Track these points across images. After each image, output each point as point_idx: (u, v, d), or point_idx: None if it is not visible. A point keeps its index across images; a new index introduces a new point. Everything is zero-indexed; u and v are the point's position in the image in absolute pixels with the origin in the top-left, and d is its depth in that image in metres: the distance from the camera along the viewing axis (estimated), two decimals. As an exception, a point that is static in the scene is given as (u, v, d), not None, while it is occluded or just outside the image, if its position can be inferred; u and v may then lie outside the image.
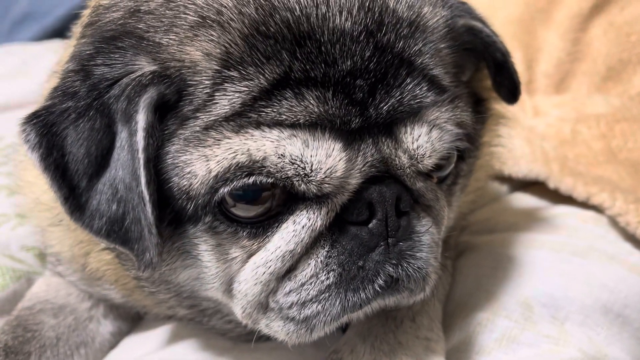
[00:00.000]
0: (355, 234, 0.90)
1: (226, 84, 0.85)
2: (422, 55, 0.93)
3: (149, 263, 0.86)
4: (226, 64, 0.85)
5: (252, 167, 0.84)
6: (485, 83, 1.18)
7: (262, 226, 0.89)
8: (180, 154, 0.86)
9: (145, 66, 0.86)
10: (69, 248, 1.15)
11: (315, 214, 0.88)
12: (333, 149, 0.86)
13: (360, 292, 0.90)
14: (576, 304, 1.18)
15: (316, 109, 0.85)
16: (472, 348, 1.13)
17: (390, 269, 0.91)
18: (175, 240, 0.93)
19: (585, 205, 1.45)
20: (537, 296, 1.19)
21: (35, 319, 1.24)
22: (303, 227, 0.88)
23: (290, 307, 0.91)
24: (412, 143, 0.91)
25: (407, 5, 0.93)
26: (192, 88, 0.86)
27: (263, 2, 0.86)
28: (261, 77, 0.85)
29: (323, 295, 0.89)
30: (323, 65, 0.86)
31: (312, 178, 0.85)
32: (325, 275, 0.89)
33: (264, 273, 0.90)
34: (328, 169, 0.86)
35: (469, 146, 1.00)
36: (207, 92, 0.86)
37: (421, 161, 0.92)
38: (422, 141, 0.91)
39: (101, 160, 0.87)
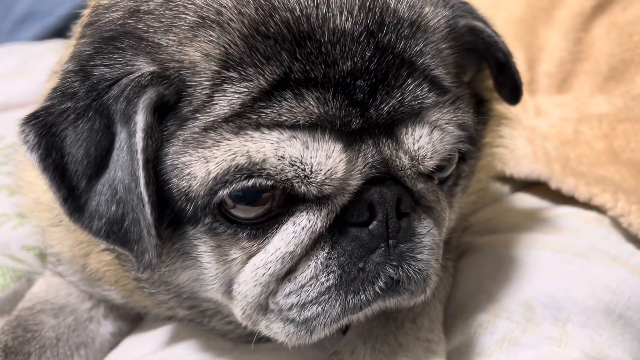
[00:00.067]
0: (355, 235, 0.89)
1: (225, 85, 0.85)
2: (423, 56, 0.92)
3: (148, 264, 0.86)
4: (225, 65, 0.85)
5: (251, 170, 0.83)
6: (487, 83, 1.17)
7: (262, 227, 0.89)
8: (179, 155, 0.86)
9: (144, 67, 0.86)
10: (69, 249, 1.15)
11: (315, 216, 0.88)
12: (333, 150, 0.85)
13: (360, 294, 0.89)
14: (578, 305, 1.17)
15: (316, 110, 0.85)
16: (473, 350, 1.12)
17: (391, 270, 0.91)
18: (174, 242, 0.92)
19: (587, 205, 1.45)
20: (538, 297, 1.18)
21: (35, 319, 1.23)
22: (303, 228, 0.88)
23: (290, 308, 0.91)
24: (413, 144, 0.91)
25: (408, 5, 0.93)
26: (191, 89, 0.86)
27: (263, 2, 0.86)
28: (261, 77, 0.84)
29: (323, 296, 0.89)
30: (323, 65, 0.85)
31: (312, 179, 0.85)
32: (325, 276, 0.89)
33: (264, 274, 0.89)
34: (328, 170, 0.85)
35: (470, 148, 0.99)
36: (206, 93, 0.85)
37: (422, 162, 0.92)
38: (423, 142, 0.91)
39: (100, 161, 0.87)
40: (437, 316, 1.15)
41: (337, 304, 0.89)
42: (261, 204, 0.87)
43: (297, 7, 0.86)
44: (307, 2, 0.86)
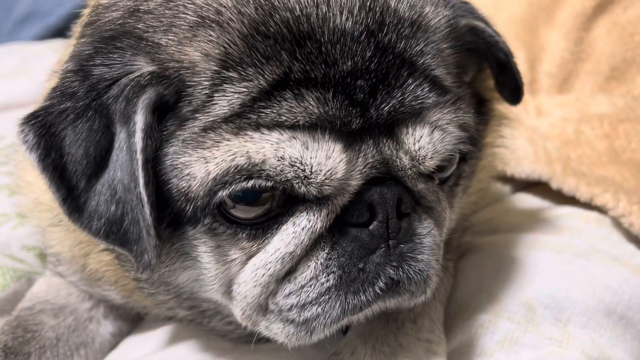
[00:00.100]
0: (355, 235, 0.89)
1: (225, 85, 0.85)
2: (423, 56, 0.92)
3: (148, 264, 0.86)
4: (225, 65, 0.85)
5: (251, 171, 0.83)
6: (487, 83, 1.17)
7: (262, 228, 0.89)
8: (179, 156, 0.86)
9: (143, 66, 0.85)
10: (68, 248, 1.15)
11: (315, 216, 0.88)
12: (333, 151, 0.85)
13: (360, 295, 0.89)
14: (579, 305, 1.17)
15: (316, 110, 0.84)
16: (473, 350, 1.12)
17: (391, 271, 0.90)
18: (174, 242, 0.92)
19: (588, 206, 1.44)
20: (539, 298, 1.18)
21: (35, 320, 1.23)
22: (303, 228, 0.87)
23: (289, 309, 0.90)
24: (414, 144, 0.90)
25: (408, 5, 0.92)
26: (191, 89, 0.85)
27: (263, 2, 0.86)
28: (260, 77, 0.84)
29: (323, 297, 0.89)
30: (323, 65, 0.85)
31: (312, 180, 0.85)
32: (325, 277, 0.88)
33: (264, 275, 0.89)
34: (328, 171, 0.85)
35: (471, 148, 0.99)
36: (206, 93, 0.85)
37: (422, 162, 0.91)
38: (424, 142, 0.91)
39: (100, 161, 0.86)
40: (437, 317, 1.14)
41: (337, 305, 0.89)
42: (261, 204, 0.87)
43: (297, 6, 0.85)
44: (307, 2, 0.86)
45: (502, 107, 1.22)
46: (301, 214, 0.88)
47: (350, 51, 0.86)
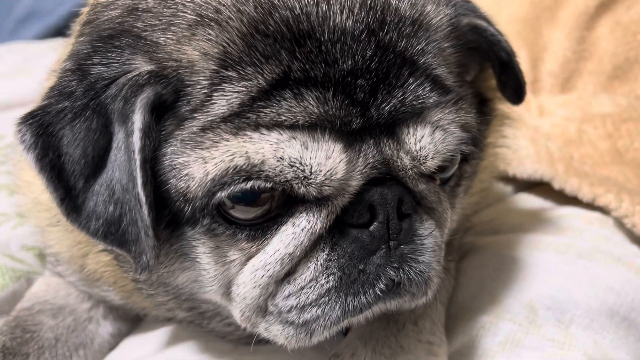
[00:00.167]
0: (356, 236, 0.88)
1: (224, 84, 0.84)
2: (425, 55, 0.91)
3: (146, 265, 0.85)
4: (224, 64, 0.84)
5: (250, 171, 0.82)
6: (489, 83, 1.16)
7: (261, 228, 0.88)
8: (177, 156, 0.85)
9: (142, 66, 0.85)
10: (67, 249, 1.14)
11: (315, 217, 0.87)
12: (333, 151, 0.84)
13: (360, 296, 0.88)
14: (581, 307, 1.16)
15: (316, 110, 0.84)
16: (475, 352, 1.11)
17: (392, 272, 0.89)
18: (173, 243, 0.92)
19: (591, 206, 1.44)
20: (541, 299, 1.17)
21: (34, 320, 1.23)
22: (302, 229, 0.87)
23: (289, 310, 0.90)
24: (415, 144, 0.89)
25: (409, 3, 0.91)
26: (189, 88, 0.85)
27: (262, 0, 0.85)
28: (260, 77, 0.83)
29: (323, 299, 0.88)
30: (323, 64, 0.84)
31: (311, 180, 0.84)
32: (325, 278, 0.88)
33: (263, 276, 0.88)
34: (328, 171, 0.84)
35: (473, 149, 0.98)
36: (204, 93, 0.84)
37: (424, 163, 0.90)
38: (425, 142, 0.90)
39: (98, 161, 0.86)
40: (438, 318, 1.14)
41: (337, 307, 0.88)
42: (260, 204, 0.86)
43: (297, 5, 0.85)
44: (307, 1, 0.85)
45: (504, 107, 1.21)
46: (301, 215, 0.87)
47: (350, 50, 0.85)
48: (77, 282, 1.24)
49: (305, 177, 0.83)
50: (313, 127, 0.83)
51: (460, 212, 1.17)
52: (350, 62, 0.85)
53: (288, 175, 0.83)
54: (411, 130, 0.89)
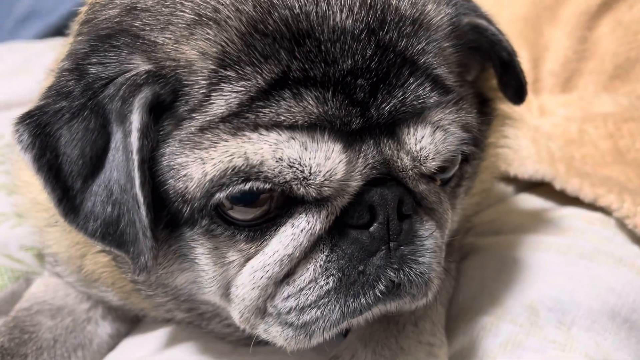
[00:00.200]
0: (355, 237, 0.87)
1: (223, 84, 0.83)
2: (425, 54, 0.90)
3: (144, 266, 0.85)
4: (223, 64, 0.83)
5: (248, 172, 0.82)
6: (491, 83, 1.15)
7: (260, 229, 0.87)
8: (175, 156, 0.85)
9: (140, 65, 0.84)
10: (65, 249, 1.14)
11: (315, 218, 0.86)
12: (332, 151, 0.83)
13: (360, 298, 0.88)
14: (583, 308, 1.16)
15: (315, 110, 0.83)
16: (475, 353, 1.11)
17: (392, 273, 0.89)
18: (171, 243, 0.91)
19: (592, 206, 1.43)
20: (542, 300, 1.17)
21: (33, 320, 1.22)
22: (302, 230, 0.86)
23: (288, 312, 0.89)
24: (415, 144, 0.89)
25: (410, 2, 0.91)
26: (187, 88, 0.84)
27: None
28: (259, 76, 0.83)
29: (322, 300, 0.87)
30: (323, 64, 0.83)
31: (311, 181, 0.83)
32: (324, 280, 0.87)
33: (262, 277, 0.88)
34: (327, 172, 0.83)
35: (474, 150, 0.97)
36: (203, 92, 0.84)
37: (424, 163, 0.90)
38: (426, 143, 0.89)
39: (96, 161, 0.85)
40: (439, 319, 1.13)
41: (337, 308, 0.87)
42: (259, 205, 0.86)
43: (296, 4, 0.84)
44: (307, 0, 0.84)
45: (506, 107, 1.20)
46: (300, 216, 0.86)
47: (350, 49, 0.84)
48: (75, 282, 1.23)
49: (304, 177, 0.83)
50: (312, 127, 0.83)
51: (460, 213, 1.16)
52: (350, 62, 0.84)
53: (287, 176, 0.82)
54: (411, 130, 0.88)
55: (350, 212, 0.87)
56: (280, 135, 0.82)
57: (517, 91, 1.12)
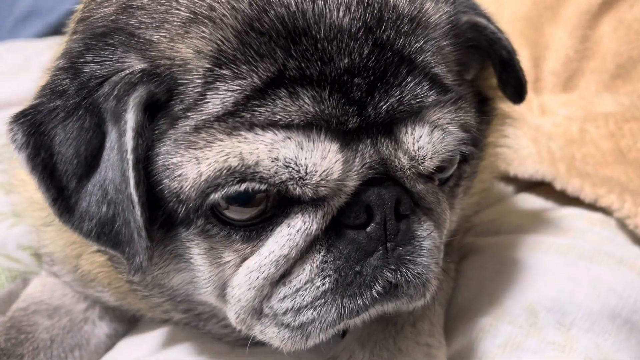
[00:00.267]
0: (352, 238, 0.87)
1: (218, 83, 0.82)
2: (423, 53, 0.89)
3: (139, 267, 0.84)
4: (218, 62, 0.82)
5: (244, 173, 0.81)
6: (490, 82, 1.15)
7: (256, 229, 0.86)
8: (171, 156, 0.84)
9: (135, 64, 0.83)
10: (61, 248, 1.13)
11: (311, 218, 0.85)
12: (329, 150, 0.83)
13: (357, 299, 0.87)
14: (583, 309, 1.15)
15: (311, 109, 0.82)
16: (474, 354, 1.10)
17: (389, 274, 0.88)
18: (167, 244, 0.90)
19: (593, 207, 1.43)
20: (542, 301, 1.16)
21: (29, 320, 1.21)
22: (298, 230, 0.85)
23: (284, 313, 0.88)
24: (413, 144, 0.88)
25: (408, 0, 0.90)
26: (182, 87, 0.83)
27: None
28: (254, 75, 0.82)
29: (319, 301, 0.86)
30: (319, 63, 0.82)
31: (307, 181, 0.82)
32: (320, 280, 0.86)
33: (258, 278, 0.87)
34: (324, 172, 0.82)
35: (473, 149, 0.96)
36: (198, 91, 0.83)
37: (422, 163, 0.89)
38: (423, 142, 0.88)
39: (91, 160, 0.85)
40: (437, 320, 1.12)
41: (333, 309, 0.87)
42: (255, 205, 0.85)
43: (292, 2, 0.83)
44: None
45: (505, 106, 1.19)
46: (296, 216, 0.86)
47: (347, 48, 0.83)
48: (72, 282, 1.23)
49: (300, 177, 0.82)
50: (308, 126, 0.82)
51: (459, 213, 1.15)
52: (346, 60, 0.83)
53: (283, 176, 0.81)
54: (409, 129, 0.88)
55: (347, 212, 0.87)
56: (276, 134, 0.81)
57: (516, 90, 1.11)
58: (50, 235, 1.14)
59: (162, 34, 0.85)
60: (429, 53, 0.90)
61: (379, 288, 0.87)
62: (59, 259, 1.18)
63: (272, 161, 0.81)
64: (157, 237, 0.89)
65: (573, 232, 1.34)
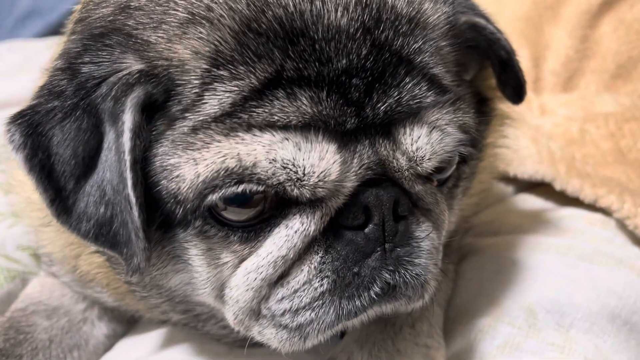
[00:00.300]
0: (350, 239, 0.86)
1: (216, 84, 0.82)
2: (421, 54, 0.89)
3: (137, 268, 0.84)
4: (216, 63, 0.82)
5: (241, 174, 0.81)
6: (489, 82, 1.14)
7: (254, 230, 0.86)
8: (168, 157, 0.84)
9: (132, 65, 0.83)
10: (60, 249, 1.13)
11: (309, 219, 0.85)
12: (327, 151, 0.82)
13: (355, 300, 0.87)
14: (582, 310, 1.15)
15: (309, 110, 0.82)
16: (473, 355, 1.10)
17: (387, 275, 0.88)
18: (165, 244, 0.90)
19: (592, 207, 1.42)
20: (541, 302, 1.16)
21: (28, 321, 1.21)
22: (296, 231, 0.85)
23: (282, 314, 0.88)
24: (411, 145, 0.88)
25: (406, 1, 0.90)
26: (180, 87, 0.83)
27: None
28: (252, 76, 0.82)
29: (317, 302, 0.86)
30: (317, 63, 0.82)
31: (304, 182, 0.82)
32: (318, 281, 0.86)
33: (256, 279, 0.87)
34: (322, 172, 0.82)
35: (472, 150, 0.96)
36: (195, 92, 0.83)
37: (420, 164, 0.89)
38: (422, 143, 0.88)
39: (89, 161, 0.84)
40: (436, 321, 1.12)
41: (331, 310, 0.87)
42: (253, 205, 0.85)
43: (290, 2, 0.83)
44: None
45: (505, 106, 1.19)
46: (294, 217, 0.85)
47: (345, 48, 0.83)
48: (70, 282, 1.23)
49: (298, 178, 0.82)
50: (306, 127, 0.82)
51: (458, 214, 1.15)
52: (344, 61, 0.83)
53: (281, 178, 0.81)
54: (407, 130, 0.87)
55: (345, 213, 0.86)
56: (273, 135, 0.81)
57: (516, 90, 1.11)
58: (49, 235, 1.14)
59: (159, 34, 0.85)
60: (428, 53, 0.90)
61: (377, 289, 0.87)
62: (58, 259, 1.18)
63: (270, 162, 0.81)
64: (155, 238, 0.88)
65: (573, 233, 1.33)
